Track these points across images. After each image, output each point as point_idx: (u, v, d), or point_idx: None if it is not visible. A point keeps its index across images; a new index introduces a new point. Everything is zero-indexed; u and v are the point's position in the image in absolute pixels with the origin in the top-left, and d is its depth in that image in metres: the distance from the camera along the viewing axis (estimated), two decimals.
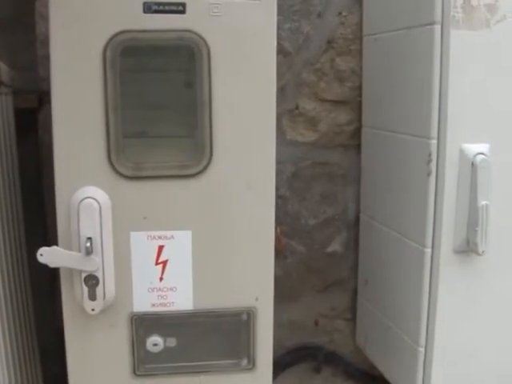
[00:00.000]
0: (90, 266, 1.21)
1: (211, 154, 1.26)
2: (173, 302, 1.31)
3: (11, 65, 1.64)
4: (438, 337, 1.55)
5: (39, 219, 1.82)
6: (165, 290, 1.30)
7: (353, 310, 2.08)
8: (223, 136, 1.26)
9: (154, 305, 1.30)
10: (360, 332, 2.04)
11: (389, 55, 1.71)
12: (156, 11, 1.19)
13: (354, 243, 2.03)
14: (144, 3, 1.19)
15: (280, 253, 1.93)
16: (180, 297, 1.31)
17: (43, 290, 1.81)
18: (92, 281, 1.23)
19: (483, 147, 1.47)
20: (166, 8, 1.20)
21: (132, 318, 1.30)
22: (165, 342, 1.33)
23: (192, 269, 1.30)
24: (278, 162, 1.32)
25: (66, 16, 1.18)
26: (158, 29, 1.21)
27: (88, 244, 1.20)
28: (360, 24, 1.89)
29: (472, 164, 1.46)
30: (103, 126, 1.22)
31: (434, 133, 1.47)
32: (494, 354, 1.61)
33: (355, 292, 2.06)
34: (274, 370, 1.40)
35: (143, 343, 1.32)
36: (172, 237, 1.28)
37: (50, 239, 1.72)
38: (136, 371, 1.33)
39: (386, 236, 1.77)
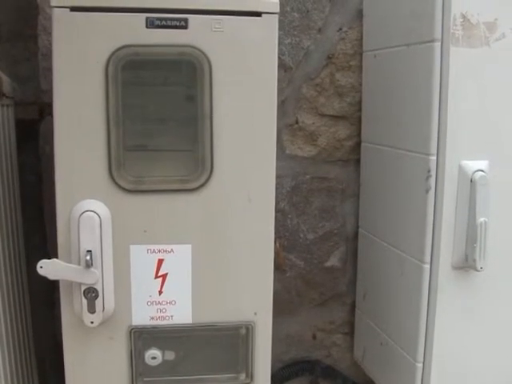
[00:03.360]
0: (89, 278, 1.22)
1: (212, 168, 1.26)
2: (172, 316, 1.31)
3: (13, 76, 1.65)
4: (436, 352, 1.55)
5: (38, 230, 1.82)
6: (164, 303, 1.30)
7: (351, 324, 2.08)
8: (224, 150, 1.27)
9: (152, 318, 1.31)
10: (358, 346, 2.04)
11: (388, 71, 1.72)
12: (158, 26, 1.20)
13: (352, 258, 2.03)
14: (147, 18, 1.20)
15: (279, 267, 1.93)
16: (179, 310, 1.31)
17: (42, 302, 1.81)
18: (91, 293, 1.23)
19: (482, 164, 1.47)
20: (169, 23, 1.21)
21: (131, 331, 1.30)
22: (163, 355, 1.33)
23: (191, 282, 1.30)
24: (278, 176, 1.33)
25: (69, 30, 1.19)
26: (160, 44, 1.22)
27: (88, 257, 1.20)
28: (360, 40, 1.90)
29: (471, 181, 1.46)
30: (104, 139, 1.22)
31: (434, 149, 1.48)
32: (493, 369, 1.61)
33: (353, 306, 2.06)
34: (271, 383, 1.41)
35: (142, 356, 1.32)
36: (172, 250, 1.28)
37: (50, 250, 1.73)
38: None
39: (384, 251, 1.77)
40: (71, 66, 1.20)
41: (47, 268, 1.22)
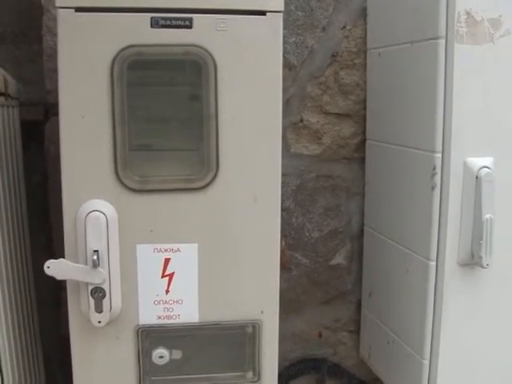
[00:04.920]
0: (96, 278, 1.22)
1: (217, 168, 1.27)
2: (179, 315, 1.31)
3: (17, 77, 1.65)
4: (443, 349, 1.55)
5: (44, 230, 1.82)
6: (171, 302, 1.30)
7: (357, 322, 2.08)
8: (229, 149, 1.27)
9: (159, 317, 1.31)
10: (364, 344, 2.04)
11: (393, 69, 1.72)
12: (163, 26, 1.21)
13: (357, 256, 2.03)
14: (151, 18, 1.20)
15: (284, 265, 1.93)
16: (186, 309, 1.31)
17: (48, 302, 1.82)
18: (98, 293, 1.23)
19: (487, 161, 1.47)
20: (173, 23, 1.21)
21: (138, 331, 1.30)
22: (170, 354, 1.33)
23: (198, 281, 1.30)
24: (283, 175, 1.33)
25: (74, 30, 1.19)
26: (165, 43, 1.22)
27: (95, 257, 1.21)
28: (364, 38, 1.90)
29: (476, 177, 1.46)
30: (110, 139, 1.23)
31: (439, 146, 1.48)
32: (499, 366, 1.60)
33: (359, 304, 2.06)
34: (278, 382, 1.41)
35: (149, 355, 1.32)
36: (178, 250, 1.28)
37: (56, 250, 1.74)
38: (142, 383, 1.33)
39: (390, 249, 1.77)
40: (76, 66, 1.20)
41: (54, 268, 1.22)
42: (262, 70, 1.26)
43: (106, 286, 1.24)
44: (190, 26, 1.21)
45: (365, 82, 1.92)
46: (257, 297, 1.34)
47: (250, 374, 1.37)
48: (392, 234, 1.76)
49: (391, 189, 1.76)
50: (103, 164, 1.24)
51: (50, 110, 1.76)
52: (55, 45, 1.22)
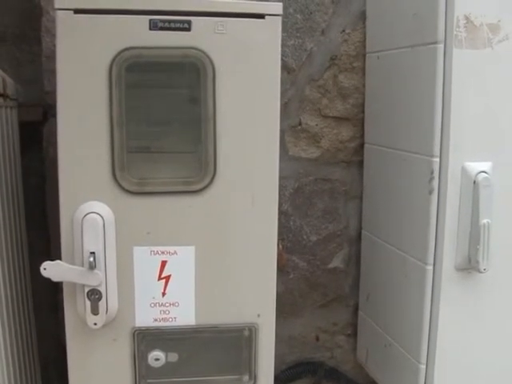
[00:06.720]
0: (93, 280, 1.22)
1: (215, 170, 1.27)
2: (175, 317, 1.31)
3: (16, 78, 1.65)
4: (440, 354, 1.55)
5: (42, 232, 1.82)
6: (167, 305, 1.30)
7: (354, 325, 2.08)
8: (227, 152, 1.27)
9: (156, 320, 1.31)
10: (361, 348, 2.04)
11: (392, 73, 1.72)
12: (162, 28, 1.21)
13: (355, 259, 2.03)
14: (150, 20, 1.20)
15: (281, 268, 1.93)
16: (182, 312, 1.31)
17: (45, 304, 1.81)
18: (95, 295, 1.23)
19: (485, 165, 1.47)
20: (172, 25, 1.21)
21: (134, 333, 1.30)
22: (166, 356, 1.33)
23: (195, 284, 1.30)
24: (281, 178, 1.33)
25: (72, 32, 1.19)
26: (164, 46, 1.22)
27: (91, 259, 1.21)
28: (363, 41, 1.90)
29: (474, 182, 1.46)
30: (108, 141, 1.23)
31: (437, 151, 1.48)
32: (496, 370, 1.60)
33: (356, 308, 2.05)
34: None
35: (145, 358, 1.32)
36: (175, 252, 1.28)
37: (53, 252, 1.73)
38: None
39: (387, 253, 1.77)
40: (75, 67, 1.20)
41: (51, 270, 1.22)
42: (260, 72, 1.26)
43: (102, 288, 1.23)
44: (188, 29, 1.22)
45: (363, 86, 1.92)
46: (254, 300, 1.34)
47: (246, 377, 1.37)
48: (389, 237, 1.76)
49: (389, 193, 1.76)
50: (101, 166, 1.24)
51: (49, 111, 1.76)
52: (54, 46, 1.22)
